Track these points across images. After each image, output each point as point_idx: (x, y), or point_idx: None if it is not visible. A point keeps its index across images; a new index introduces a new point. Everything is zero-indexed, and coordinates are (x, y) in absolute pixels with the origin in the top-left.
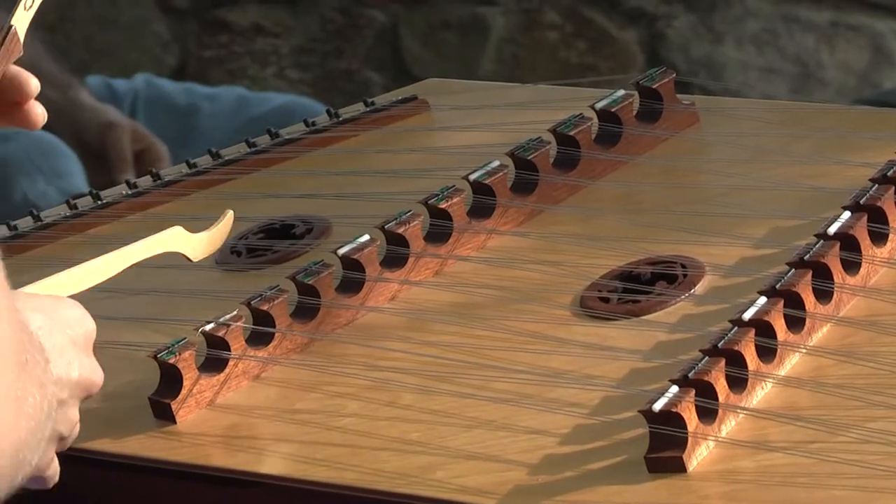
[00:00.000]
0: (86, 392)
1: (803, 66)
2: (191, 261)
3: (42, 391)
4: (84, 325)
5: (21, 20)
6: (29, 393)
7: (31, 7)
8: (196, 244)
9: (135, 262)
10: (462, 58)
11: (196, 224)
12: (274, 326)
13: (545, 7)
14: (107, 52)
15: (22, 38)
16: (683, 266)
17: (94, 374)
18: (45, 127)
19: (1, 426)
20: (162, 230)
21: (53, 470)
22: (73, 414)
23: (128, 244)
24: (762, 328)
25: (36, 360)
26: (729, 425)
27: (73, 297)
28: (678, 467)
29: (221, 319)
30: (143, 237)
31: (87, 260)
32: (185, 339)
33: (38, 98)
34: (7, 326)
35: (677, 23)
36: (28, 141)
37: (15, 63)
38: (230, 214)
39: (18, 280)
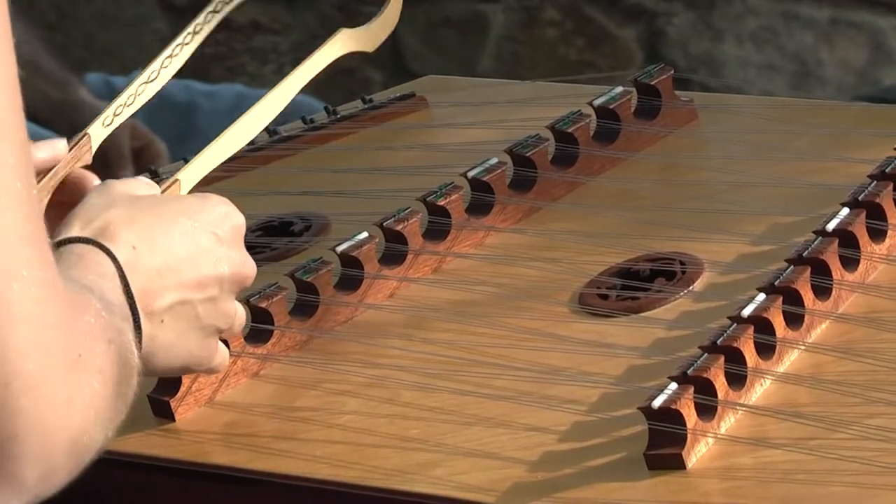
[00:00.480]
0: (238, 285)
1: (803, 64)
2: (370, 53)
3: (102, 376)
4: (230, 220)
5: (97, 133)
6: (84, 384)
7: (109, 125)
8: (368, 35)
9: (311, 78)
10: (462, 55)
11: None
12: (273, 324)
13: (545, 4)
14: (107, 50)
15: (93, 151)
16: (682, 263)
17: (244, 267)
18: (45, 124)
19: (52, 427)
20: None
21: (219, 360)
22: (228, 307)
23: (293, 71)
24: (761, 325)
25: (91, 348)
26: (728, 422)
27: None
28: (677, 464)
29: None
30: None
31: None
32: None
33: (37, 95)
34: (54, 333)
35: (677, 20)
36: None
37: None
38: None
39: None
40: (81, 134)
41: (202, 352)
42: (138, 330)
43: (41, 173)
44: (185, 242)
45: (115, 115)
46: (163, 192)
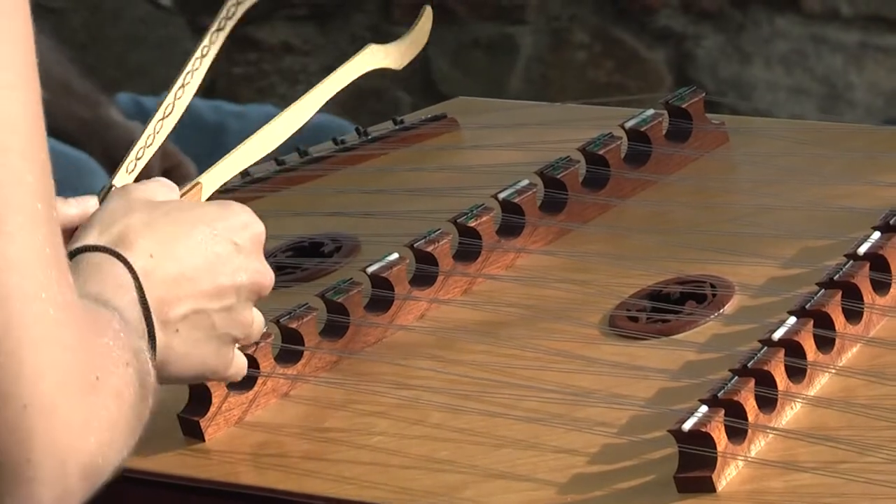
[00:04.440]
0: (256, 294)
1: (832, 87)
2: (397, 69)
3: (119, 399)
4: (250, 229)
5: (122, 181)
6: (101, 408)
7: (132, 171)
8: (397, 52)
9: (337, 91)
10: (491, 77)
11: None
12: (303, 344)
13: (574, 26)
14: (137, 71)
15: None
16: (713, 286)
17: (262, 276)
18: (76, 144)
19: (66, 450)
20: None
21: (236, 369)
22: (245, 315)
23: (320, 83)
24: (792, 348)
25: (110, 370)
26: (758, 445)
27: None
28: (707, 487)
29: None
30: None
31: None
32: None
33: (69, 116)
34: (70, 356)
35: (706, 43)
36: (59, 159)
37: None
38: (428, 11)
39: None
40: (107, 186)
41: (217, 361)
42: (153, 340)
43: (70, 230)
44: (203, 251)
45: (137, 158)
46: (183, 195)
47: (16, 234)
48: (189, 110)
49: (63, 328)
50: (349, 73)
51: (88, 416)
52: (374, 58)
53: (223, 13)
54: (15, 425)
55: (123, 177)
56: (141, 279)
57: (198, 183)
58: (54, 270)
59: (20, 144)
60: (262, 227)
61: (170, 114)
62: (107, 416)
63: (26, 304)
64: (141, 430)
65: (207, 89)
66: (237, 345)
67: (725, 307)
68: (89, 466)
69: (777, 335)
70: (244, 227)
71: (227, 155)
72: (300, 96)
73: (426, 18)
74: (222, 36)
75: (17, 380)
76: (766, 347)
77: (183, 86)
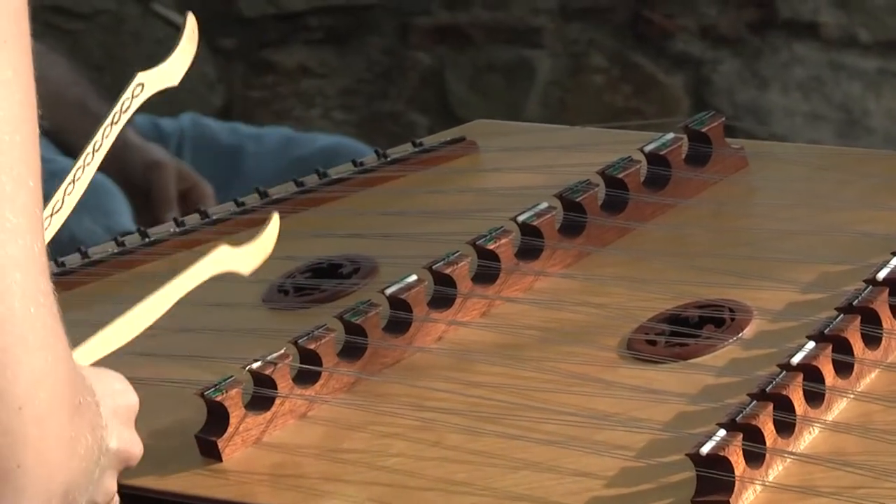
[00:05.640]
0: (123, 463)
1: (849, 113)
2: (245, 275)
3: (94, 434)
4: (126, 397)
5: None
6: (82, 434)
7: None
8: (245, 257)
9: (185, 293)
10: (508, 101)
11: None
12: (321, 365)
13: (591, 51)
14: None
15: None
16: (731, 310)
17: (133, 446)
18: None
19: (55, 464)
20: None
21: None
22: (111, 484)
23: (172, 279)
24: (810, 373)
25: (88, 402)
26: (776, 470)
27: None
28: None
29: (268, 358)
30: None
31: (132, 303)
32: (232, 377)
33: (85, 137)
34: (64, 367)
35: (723, 68)
36: None
37: (61, 103)
38: (275, 217)
39: (67, 317)
40: None
41: None
42: None
43: None
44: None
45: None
46: None
47: (19, 235)
48: (206, 133)
49: (57, 339)
50: (198, 274)
51: (75, 436)
52: (224, 260)
53: (118, 107)
54: (8, 427)
55: None
56: None
57: None
58: (48, 282)
59: (21, 147)
60: (136, 399)
61: (79, 178)
62: (85, 444)
63: (26, 304)
64: (88, 496)
65: (224, 112)
66: None
67: (744, 331)
68: (70, 492)
69: (795, 360)
70: (120, 393)
71: (89, 338)
72: (316, 119)
73: (273, 225)
74: (117, 129)
75: (15, 379)
76: (784, 372)
77: (94, 151)
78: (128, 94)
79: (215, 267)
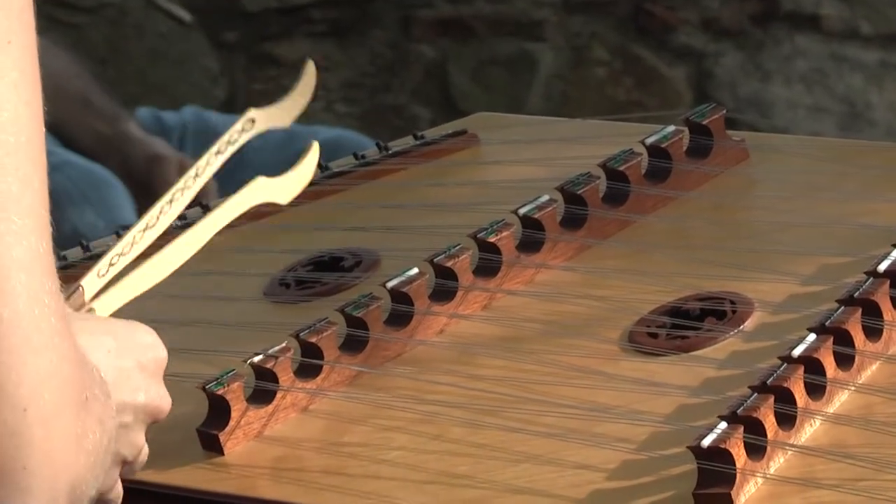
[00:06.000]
0: (152, 417)
1: (852, 106)
2: (282, 205)
3: (101, 427)
4: (155, 351)
5: (90, 284)
6: (89, 430)
7: (104, 275)
8: (283, 187)
9: (223, 226)
10: (510, 94)
11: (243, 256)
12: (322, 359)
13: (594, 44)
14: (158, 86)
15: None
16: (732, 302)
17: (161, 400)
18: (95, 159)
19: (60, 463)
20: (211, 260)
21: (116, 493)
22: (139, 438)
23: (209, 213)
24: (811, 365)
25: (96, 395)
26: (777, 462)
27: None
28: (726, 503)
29: (270, 351)
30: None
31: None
32: (233, 370)
33: (88, 130)
34: (69, 367)
35: (725, 60)
36: (78, 172)
37: (63, 96)
38: (315, 145)
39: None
40: (75, 286)
41: (106, 479)
42: None
43: None
44: (108, 363)
45: (111, 264)
46: (67, 298)
47: (24, 236)
48: (208, 126)
49: (63, 339)
50: (236, 206)
51: (81, 433)
52: (262, 191)
53: (225, 138)
54: (14, 429)
55: (94, 280)
56: None
57: (79, 286)
58: (53, 282)
59: (27, 148)
60: (165, 353)
61: (154, 225)
62: (92, 440)
63: (31, 306)
64: (98, 484)
65: (227, 105)
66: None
67: (745, 324)
68: (76, 488)
69: (796, 352)
70: (149, 347)
71: (120, 280)
72: (319, 112)
73: (313, 152)
74: (222, 159)
75: (20, 381)
76: (785, 364)
77: (171, 201)
78: (238, 126)
79: (253, 198)
